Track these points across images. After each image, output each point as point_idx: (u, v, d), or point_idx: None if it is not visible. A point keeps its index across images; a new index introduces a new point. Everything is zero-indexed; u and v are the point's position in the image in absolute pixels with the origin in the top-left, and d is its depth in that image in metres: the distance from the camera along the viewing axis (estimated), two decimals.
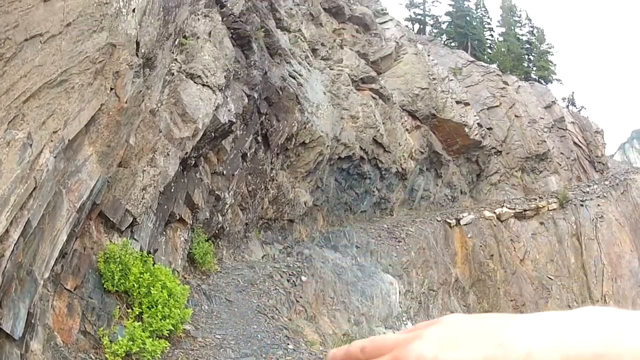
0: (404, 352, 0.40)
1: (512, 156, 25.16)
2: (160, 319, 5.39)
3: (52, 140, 4.21)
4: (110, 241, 5.87)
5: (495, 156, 24.87)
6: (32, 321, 4.11)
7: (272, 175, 16.60)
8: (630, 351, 0.34)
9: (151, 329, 5.43)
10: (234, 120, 10.87)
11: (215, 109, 9.65)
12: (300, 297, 11.57)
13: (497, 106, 25.46)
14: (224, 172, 12.15)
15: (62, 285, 4.82)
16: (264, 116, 13.46)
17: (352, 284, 15.28)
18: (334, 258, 17.03)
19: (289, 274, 12.41)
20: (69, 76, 4.47)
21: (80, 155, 4.80)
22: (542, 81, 35.71)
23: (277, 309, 9.20)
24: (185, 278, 8.41)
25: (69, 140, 4.56)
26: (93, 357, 4.69)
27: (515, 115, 25.84)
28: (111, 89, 5.27)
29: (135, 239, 6.38)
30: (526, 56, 38.30)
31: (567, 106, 37.25)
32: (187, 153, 8.34)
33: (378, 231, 20.39)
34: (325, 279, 14.46)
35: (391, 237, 20.14)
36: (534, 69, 37.74)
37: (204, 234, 10.20)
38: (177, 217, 8.69)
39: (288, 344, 7.25)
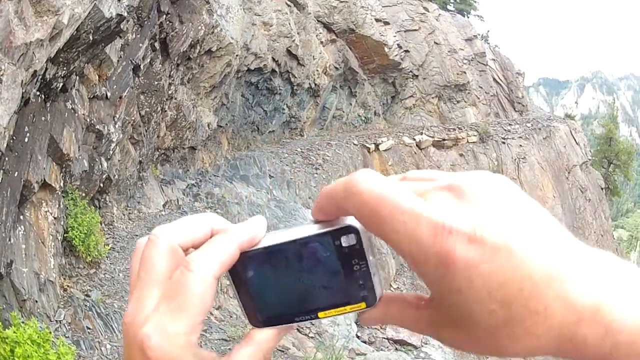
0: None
1: (429, 82, 24.06)
2: None
3: None
4: None
5: (412, 80, 23.62)
6: None
7: (170, 92, 12.68)
8: None
9: None
10: (125, 14, 6.89)
11: None
12: None
13: (415, 30, 24.12)
14: (108, 95, 8.26)
15: None
16: (164, 16, 9.44)
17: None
18: (248, 194, 14.24)
19: None
20: None
21: None
22: (461, 14, 33.91)
23: None
24: (65, 290, 5.10)
25: None
26: None
27: (435, 42, 24.66)
28: None
29: None
30: None
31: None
32: (39, 73, 4.60)
33: (291, 156, 17.95)
34: None
35: (307, 164, 17.84)
36: (453, 0, 35.37)
37: (82, 197, 6.64)
38: (38, 186, 5.09)
39: None
